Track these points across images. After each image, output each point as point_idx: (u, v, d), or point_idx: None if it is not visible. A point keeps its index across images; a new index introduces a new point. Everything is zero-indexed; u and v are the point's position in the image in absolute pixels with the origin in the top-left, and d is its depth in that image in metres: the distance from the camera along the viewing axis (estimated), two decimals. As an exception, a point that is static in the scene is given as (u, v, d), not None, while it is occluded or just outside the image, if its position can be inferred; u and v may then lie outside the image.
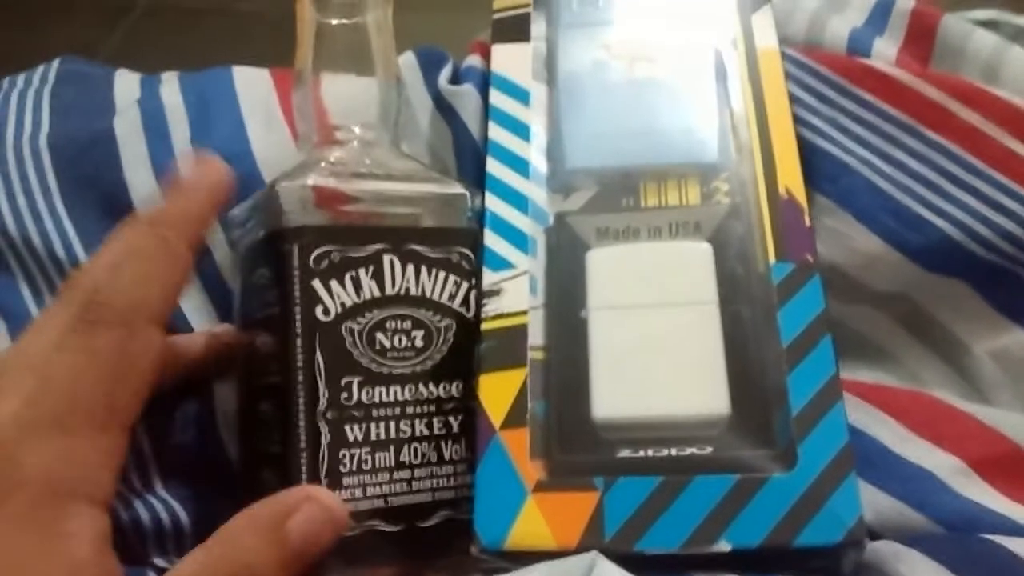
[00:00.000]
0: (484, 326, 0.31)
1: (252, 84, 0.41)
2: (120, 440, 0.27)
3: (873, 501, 0.30)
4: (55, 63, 0.43)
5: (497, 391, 0.30)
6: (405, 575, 0.30)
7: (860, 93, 0.37)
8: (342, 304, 0.30)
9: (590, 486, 0.28)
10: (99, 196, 0.37)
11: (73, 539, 0.25)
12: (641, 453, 0.29)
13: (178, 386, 0.34)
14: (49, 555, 0.25)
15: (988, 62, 0.38)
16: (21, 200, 0.37)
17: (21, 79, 0.42)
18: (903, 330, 0.37)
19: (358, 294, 0.30)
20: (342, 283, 0.30)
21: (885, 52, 0.39)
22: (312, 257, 0.29)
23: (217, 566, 0.26)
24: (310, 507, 0.27)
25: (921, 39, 0.39)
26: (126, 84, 0.42)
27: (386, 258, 0.31)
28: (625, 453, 0.29)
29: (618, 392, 0.30)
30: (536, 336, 0.31)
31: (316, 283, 0.29)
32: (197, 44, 1.37)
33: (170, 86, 0.41)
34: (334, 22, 0.33)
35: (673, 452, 0.29)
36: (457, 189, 0.33)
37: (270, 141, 0.38)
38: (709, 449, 0.29)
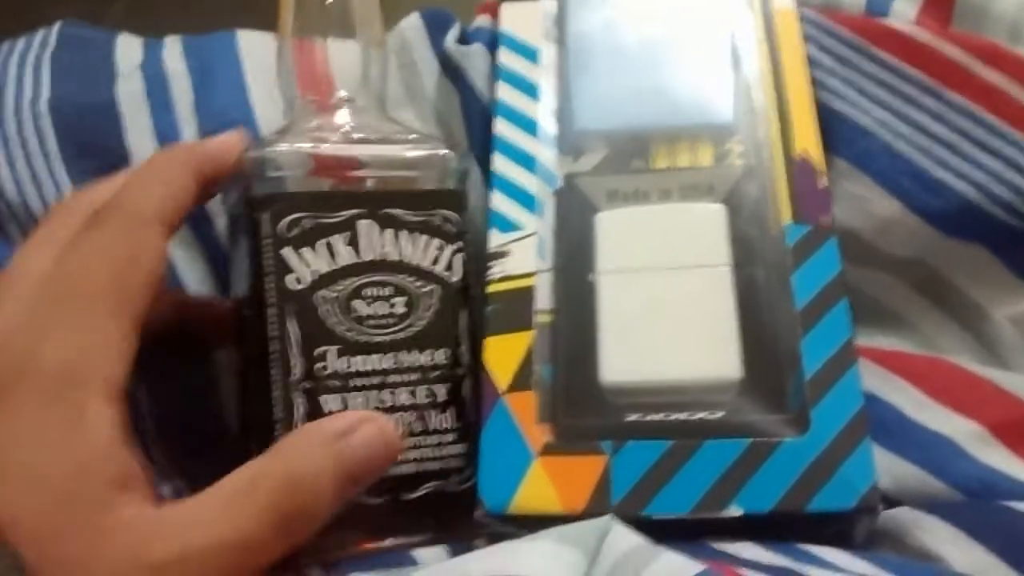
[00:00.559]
0: (490, 288, 0.31)
1: (256, 49, 0.40)
2: (130, 329, 0.27)
3: (892, 468, 0.30)
4: (56, 26, 0.42)
5: (503, 354, 0.29)
6: (391, 547, 0.29)
7: (878, 53, 0.36)
8: (315, 272, 0.29)
9: (598, 450, 0.27)
10: (101, 162, 0.37)
11: (91, 426, 0.25)
12: (650, 418, 0.28)
13: (178, 348, 0.34)
14: (68, 441, 0.25)
15: (1012, 23, 0.37)
16: (21, 165, 0.36)
17: (21, 42, 0.41)
18: (920, 296, 0.36)
19: (333, 261, 0.29)
20: (314, 250, 0.29)
21: (905, 12, 0.38)
22: (283, 224, 0.29)
23: (276, 473, 0.25)
24: (370, 428, 0.27)
25: (941, 0, 0.38)
26: (129, 48, 0.42)
27: (362, 223, 0.30)
28: (634, 418, 0.28)
29: (627, 356, 0.29)
30: (544, 299, 0.31)
31: (287, 251, 0.29)
32: (199, 15, 1.37)
33: (173, 50, 0.40)
34: None
35: (683, 417, 0.28)
36: (441, 150, 0.32)
37: (272, 107, 0.38)
38: (720, 413, 0.28)
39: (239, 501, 0.25)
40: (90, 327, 0.26)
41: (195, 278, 0.36)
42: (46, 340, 0.26)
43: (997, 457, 0.30)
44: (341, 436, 0.26)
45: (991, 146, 0.34)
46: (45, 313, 0.26)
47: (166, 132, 0.37)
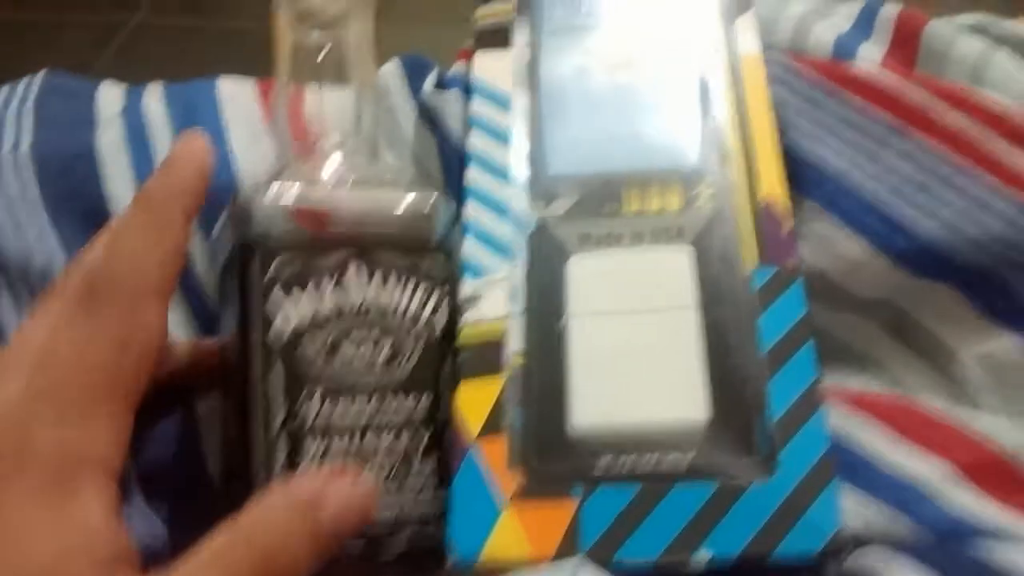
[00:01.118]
0: (463, 333, 0.31)
1: (237, 95, 0.41)
2: (126, 412, 0.27)
3: (861, 508, 0.30)
4: (39, 75, 0.43)
5: (475, 399, 0.29)
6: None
7: (845, 96, 0.36)
8: (302, 316, 0.29)
9: (568, 495, 0.27)
10: (82, 209, 0.37)
11: (85, 509, 0.25)
12: (620, 461, 0.28)
13: (160, 395, 0.34)
14: (64, 525, 0.25)
15: (974, 67, 0.38)
16: (2, 212, 0.37)
17: (5, 90, 0.42)
18: (889, 336, 0.36)
19: (320, 306, 0.29)
20: (302, 295, 0.29)
21: (871, 57, 0.39)
22: (273, 268, 0.29)
23: (250, 548, 0.25)
24: (343, 486, 0.27)
25: (906, 44, 0.39)
26: (110, 95, 0.42)
27: (351, 268, 0.30)
28: (604, 461, 0.29)
29: (597, 399, 0.30)
30: (516, 343, 0.31)
31: (275, 296, 0.29)
32: (188, 61, 1.38)
33: (154, 97, 0.41)
34: (312, 37, 0.33)
35: (652, 460, 0.28)
36: (428, 197, 0.32)
37: (253, 153, 0.38)
38: (689, 456, 0.28)
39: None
40: (86, 411, 0.26)
41: (176, 319, 0.36)
42: (41, 426, 0.26)
43: (966, 498, 0.30)
44: (313, 503, 0.26)
45: (956, 185, 0.34)
46: (41, 398, 0.26)
47: (146, 177, 0.37)
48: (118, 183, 0.37)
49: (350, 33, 0.33)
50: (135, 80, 0.44)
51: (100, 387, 0.27)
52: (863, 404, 0.32)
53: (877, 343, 0.36)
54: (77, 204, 0.37)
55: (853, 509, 0.30)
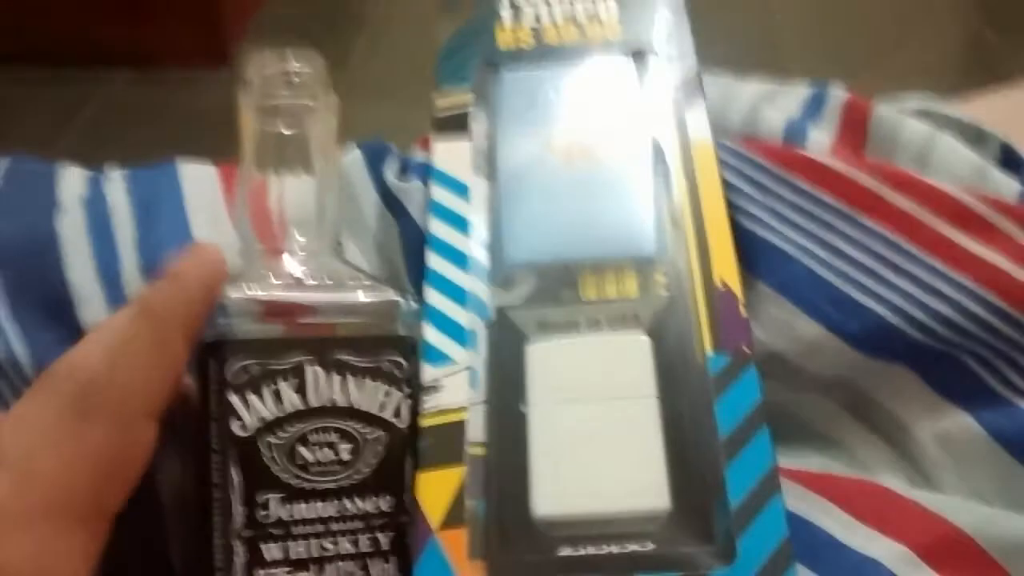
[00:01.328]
0: (423, 422, 0.31)
1: (198, 180, 0.41)
2: (104, 529, 0.26)
3: None
4: (3, 163, 0.43)
5: (435, 489, 0.29)
6: None
7: (796, 181, 0.37)
8: (261, 418, 0.29)
9: (529, 587, 0.27)
10: (41, 297, 0.37)
11: None
12: (582, 551, 0.28)
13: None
14: None
15: (920, 150, 0.39)
16: None
17: None
18: (847, 415, 0.37)
19: (278, 407, 0.29)
20: (261, 397, 0.29)
21: (820, 141, 0.40)
22: (231, 370, 0.29)
23: None
24: None
25: (855, 128, 0.40)
26: (72, 180, 0.42)
27: (309, 369, 0.30)
28: (566, 552, 0.29)
29: (558, 488, 0.30)
30: (476, 432, 0.31)
31: (233, 397, 0.29)
32: (152, 139, 1.39)
33: (115, 183, 0.41)
34: (277, 133, 0.33)
35: (614, 550, 0.28)
36: (390, 296, 0.32)
37: (215, 240, 0.38)
38: (650, 546, 0.28)
39: None
40: (61, 532, 0.25)
41: None
42: (12, 542, 0.25)
43: None
44: None
45: (906, 270, 0.35)
46: (15, 512, 0.25)
47: (108, 266, 0.37)
48: (79, 271, 0.37)
49: (315, 127, 0.34)
50: (98, 156, 0.44)
51: (82, 510, 0.26)
52: (822, 486, 0.33)
53: (836, 422, 0.37)
54: (37, 293, 0.37)
55: (814, 592, 0.30)
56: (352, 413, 0.30)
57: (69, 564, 0.25)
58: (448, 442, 0.30)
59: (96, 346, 0.28)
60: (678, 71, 0.39)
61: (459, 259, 0.35)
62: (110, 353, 0.27)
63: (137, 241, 0.38)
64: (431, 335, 0.33)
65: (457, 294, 0.34)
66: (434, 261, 0.35)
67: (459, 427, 0.31)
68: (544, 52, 0.41)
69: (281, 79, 0.33)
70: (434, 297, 0.34)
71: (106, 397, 0.27)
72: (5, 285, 0.37)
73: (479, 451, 0.31)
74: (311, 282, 0.31)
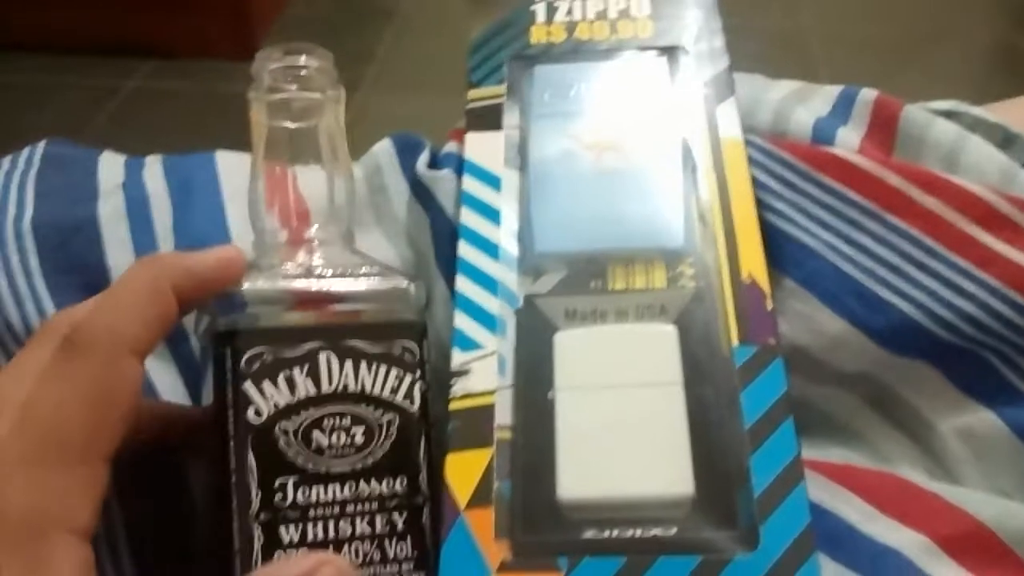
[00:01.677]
0: (451, 406, 0.31)
1: (234, 169, 0.41)
2: (101, 470, 0.27)
3: None
4: (40, 145, 0.43)
5: (463, 471, 0.30)
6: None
7: (824, 179, 0.38)
8: (275, 405, 0.29)
9: (554, 567, 0.28)
10: (81, 281, 0.38)
11: (56, 570, 0.25)
12: (606, 534, 0.29)
13: (152, 456, 0.34)
14: None
15: (949, 151, 0.39)
16: (2, 283, 0.37)
17: (7, 161, 0.42)
18: (869, 409, 0.37)
19: (292, 394, 0.30)
20: (275, 384, 0.30)
21: (849, 141, 0.40)
22: (245, 359, 0.29)
23: None
24: (328, 572, 0.27)
25: (884, 128, 0.41)
26: (111, 167, 0.43)
27: (322, 355, 0.30)
28: (590, 534, 0.29)
29: (583, 473, 0.30)
30: (504, 416, 0.32)
31: (248, 385, 0.29)
32: (181, 125, 1.40)
33: (154, 170, 0.42)
34: (286, 127, 0.34)
35: (638, 533, 0.29)
36: (401, 283, 0.33)
37: (248, 229, 0.39)
38: (673, 530, 0.29)
39: None
40: (59, 471, 0.26)
41: (170, 394, 0.37)
42: (11, 484, 0.26)
43: (944, 570, 0.31)
44: None
45: (930, 268, 0.36)
46: (13, 454, 0.26)
47: (145, 250, 0.38)
48: (117, 254, 0.38)
49: (323, 122, 0.34)
50: (128, 143, 0.45)
51: (76, 448, 0.26)
52: (844, 477, 0.33)
53: (858, 415, 0.37)
54: (76, 276, 0.38)
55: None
56: (365, 398, 0.31)
57: (68, 502, 0.26)
58: (476, 425, 0.31)
59: (92, 298, 0.29)
60: (709, 68, 0.39)
61: (490, 249, 0.35)
62: (100, 297, 0.29)
63: (174, 226, 0.39)
64: (461, 321, 0.33)
65: (487, 282, 0.34)
66: (465, 250, 0.35)
67: (487, 411, 0.31)
68: (576, 48, 0.41)
69: (288, 73, 0.34)
70: (465, 285, 0.34)
71: (92, 336, 0.27)
72: (45, 268, 0.38)
73: (506, 435, 0.31)
74: (324, 271, 0.32)
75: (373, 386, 0.31)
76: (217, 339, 0.30)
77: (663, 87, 0.40)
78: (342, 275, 0.32)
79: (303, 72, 0.34)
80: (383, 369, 0.31)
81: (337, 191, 0.34)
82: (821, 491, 0.33)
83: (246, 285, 0.30)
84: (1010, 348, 0.35)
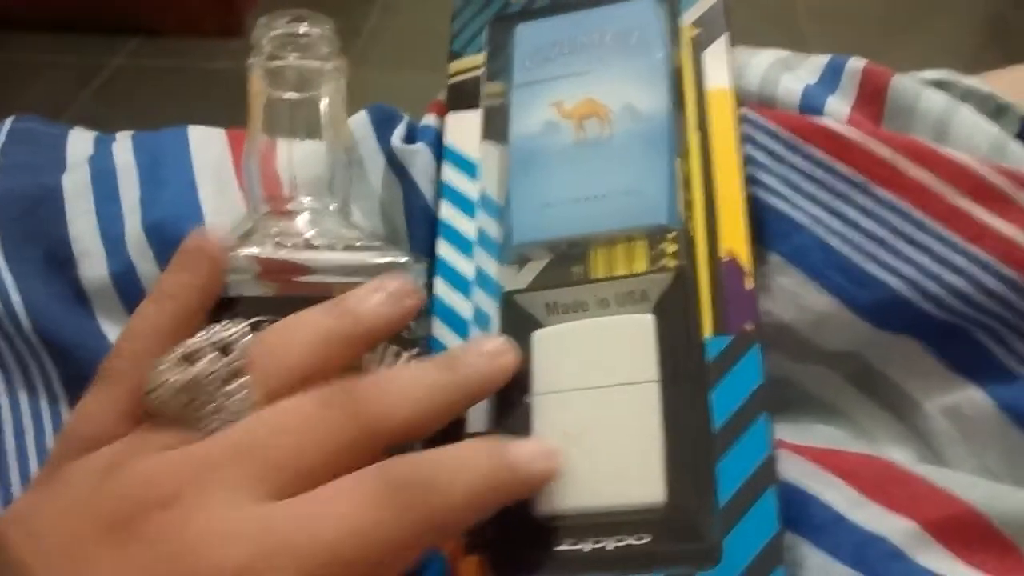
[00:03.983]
0: None
1: (206, 145, 0.41)
2: None
3: (826, 569, 0.30)
4: (8, 121, 0.43)
5: None
6: None
7: (811, 151, 0.37)
8: None
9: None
10: (42, 251, 0.38)
11: None
12: (579, 547, 0.29)
13: None
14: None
15: (938, 121, 0.38)
16: None
17: None
18: (855, 388, 0.37)
19: None
20: None
21: (838, 110, 0.39)
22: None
23: None
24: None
25: (873, 98, 0.40)
26: (80, 142, 0.42)
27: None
28: (563, 547, 0.29)
29: (558, 482, 0.29)
30: (481, 421, 0.31)
31: None
32: (166, 103, 1.39)
33: (123, 144, 0.41)
34: (286, 96, 0.33)
35: (612, 544, 0.29)
36: (398, 257, 0.32)
37: (221, 204, 0.38)
38: (647, 539, 0.28)
39: None
40: None
41: None
42: None
43: (932, 557, 0.30)
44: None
45: (920, 241, 0.35)
46: None
47: (110, 222, 0.38)
48: (80, 227, 0.38)
49: (323, 92, 0.33)
50: (114, 120, 0.44)
51: None
52: (828, 461, 0.32)
53: (843, 394, 0.36)
54: (38, 245, 0.37)
55: (817, 570, 0.30)
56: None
57: None
58: (452, 431, 0.30)
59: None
60: (699, 4, 0.37)
61: (466, 247, 0.34)
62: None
63: (141, 200, 0.38)
64: (437, 328, 0.33)
65: (461, 284, 0.34)
66: (444, 247, 0.35)
67: (458, 422, 0.31)
68: (559, 3, 0.39)
69: (289, 41, 0.33)
70: (442, 287, 0.34)
71: None
72: (8, 237, 0.37)
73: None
74: (320, 243, 0.31)
75: (369, 361, 0.30)
76: (218, 306, 0.30)
77: (650, 35, 0.37)
78: (339, 248, 0.32)
79: (304, 40, 0.33)
80: (380, 344, 0.30)
81: (335, 162, 0.34)
82: (805, 475, 0.32)
83: (242, 252, 0.30)
84: (1000, 324, 0.34)
